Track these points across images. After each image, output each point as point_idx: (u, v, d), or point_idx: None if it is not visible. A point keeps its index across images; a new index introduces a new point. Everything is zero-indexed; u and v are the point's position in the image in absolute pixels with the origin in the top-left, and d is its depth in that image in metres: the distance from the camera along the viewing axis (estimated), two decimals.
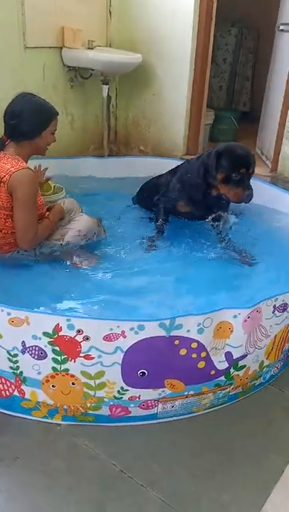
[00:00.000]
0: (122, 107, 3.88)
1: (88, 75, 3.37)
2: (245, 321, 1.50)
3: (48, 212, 2.12)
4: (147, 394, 1.52)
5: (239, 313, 1.49)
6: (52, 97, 3.20)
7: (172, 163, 3.12)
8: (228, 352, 1.55)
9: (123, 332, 1.40)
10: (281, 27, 3.39)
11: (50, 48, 3.15)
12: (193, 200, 2.24)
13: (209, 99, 4.01)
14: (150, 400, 1.53)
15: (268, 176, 3.33)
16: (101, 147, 3.72)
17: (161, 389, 1.52)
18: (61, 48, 3.21)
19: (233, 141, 4.38)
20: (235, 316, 1.49)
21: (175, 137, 3.72)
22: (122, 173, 3.17)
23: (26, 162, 1.98)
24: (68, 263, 2.02)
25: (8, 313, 1.39)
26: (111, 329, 1.39)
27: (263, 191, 2.77)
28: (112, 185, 3.01)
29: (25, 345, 1.43)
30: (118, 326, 1.39)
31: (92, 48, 3.33)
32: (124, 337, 1.41)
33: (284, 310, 1.62)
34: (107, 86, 3.42)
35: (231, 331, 1.51)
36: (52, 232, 2.07)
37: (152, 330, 1.41)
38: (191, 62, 3.49)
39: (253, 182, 2.09)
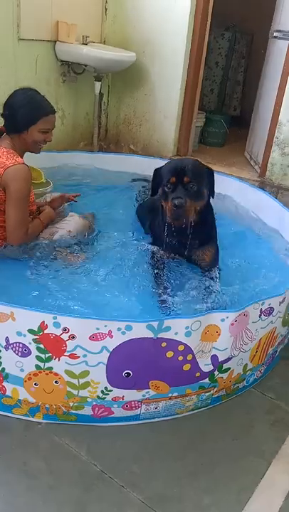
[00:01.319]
0: (113, 104, 3.86)
1: (81, 70, 3.34)
2: (233, 324, 1.51)
3: (38, 210, 2.10)
4: (131, 395, 1.51)
5: (227, 317, 1.49)
6: (44, 91, 3.11)
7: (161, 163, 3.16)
8: (214, 355, 1.55)
9: (110, 332, 1.39)
10: (275, 34, 3.42)
11: (43, 41, 3.11)
12: (161, 232, 1.95)
13: (200, 101, 4.02)
14: (134, 401, 1.52)
15: (256, 180, 3.36)
16: (91, 144, 3.69)
17: (145, 390, 1.51)
18: (55, 42, 3.17)
19: (222, 145, 4.42)
20: (222, 320, 1.49)
21: (165, 138, 3.72)
22: (114, 168, 3.16)
23: (22, 157, 1.95)
24: (57, 260, 2.00)
25: None
26: (98, 328, 1.38)
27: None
28: (104, 178, 3.00)
29: (8, 341, 1.40)
30: (105, 326, 1.38)
31: (86, 44, 3.30)
32: (111, 337, 1.39)
33: (269, 314, 1.63)
34: (100, 83, 3.39)
35: (218, 335, 1.51)
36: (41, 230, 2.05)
37: (140, 331, 1.41)
38: (185, 64, 3.49)
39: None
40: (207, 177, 1.86)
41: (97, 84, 3.39)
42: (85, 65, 3.25)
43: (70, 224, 2.13)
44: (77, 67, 3.32)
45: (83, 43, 3.29)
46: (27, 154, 2.04)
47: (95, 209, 2.44)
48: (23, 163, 1.88)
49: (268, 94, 3.57)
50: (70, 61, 3.25)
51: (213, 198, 1.91)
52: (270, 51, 3.74)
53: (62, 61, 3.26)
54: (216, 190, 1.93)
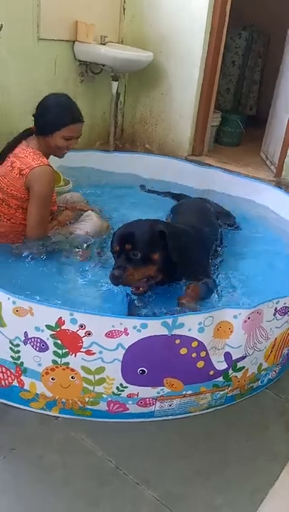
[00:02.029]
0: (130, 104, 3.88)
1: (99, 70, 3.37)
2: (245, 321, 1.51)
3: (57, 210, 2.14)
4: (146, 392, 1.52)
5: (239, 314, 1.49)
6: (62, 90, 3.15)
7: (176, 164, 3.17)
8: (227, 352, 1.55)
9: (126, 329, 1.40)
10: None
11: (62, 41, 3.15)
12: None
13: (216, 101, 4.01)
14: (148, 398, 1.54)
15: (272, 180, 3.35)
16: (107, 143, 3.72)
17: (160, 387, 1.52)
18: (74, 42, 3.21)
19: (237, 144, 4.40)
20: (235, 316, 1.50)
21: (181, 137, 3.73)
22: (129, 169, 3.17)
23: (47, 158, 1.98)
24: (74, 259, 2.03)
25: (14, 302, 1.39)
26: (113, 326, 1.40)
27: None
28: (119, 178, 3.01)
29: (27, 335, 1.43)
30: (121, 324, 1.39)
31: (104, 44, 3.33)
32: (127, 334, 1.41)
33: (285, 313, 1.63)
34: (117, 83, 3.42)
35: (231, 331, 1.52)
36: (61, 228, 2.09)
37: (155, 328, 1.42)
38: (202, 63, 3.50)
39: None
40: (159, 241, 1.74)
41: (114, 84, 3.41)
42: (103, 65, 3.28)
43: (88, 225, 2.15)
44: (95, 67, 3.36)
45: (101, 43, 3.32)
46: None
47: (111, 209, 2.46)
48: (48, 165, 1.92)
49: (285, 94, 3.55)
50: (88, 61, 3.28)
51: (174, 258, 1.76)
52: (287, 51, 3.71)
53: (80, 61, 3.29)
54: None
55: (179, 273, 1.85)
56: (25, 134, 2.02)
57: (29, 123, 2.05)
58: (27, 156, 1.90)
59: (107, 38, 3.37)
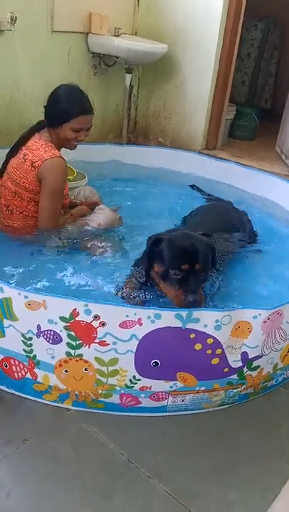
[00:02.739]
0: (143, 97, 3.85)
1: (112, 62, 3.35)
2: (265, 322, 1.48)
3: (71, 205, 2.13)
4: (159, 385, 1.51)
5: (259, 314, 1.46)
6: (75, 83, 3.17)
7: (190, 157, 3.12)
8: (244, 352, 1.53)
9: (140, 320, 1.39)
10: None
11: (76, 33, 3.13)
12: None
13: (231, 93, 3.96)
14: (161, 392, 1.52)
15: (287, 175, 3.29)
16: (120, 136, 3.70)
17: (173, 381, 1.51)
18: (87, 34, 3.19)
19: (252, 138, 4.34)
20: (255, 317, 1.47)
21: (195, 130, 3.68)
22: (143, 162, 3.14)
23: (59, 150, 1.97)
24: (86, 252, 2.02)
25: (26, 297, 1.39)
26: (127, 316, 1.38)
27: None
28: (134, 172, 2.99)
29: (40, 329, 1.42)
30: (135, 314, 1.38)
31: (118, 36, 3.30)
32: (141, 325, 1.39)
33: None
34: (130, 75, 3.39)
35: (250, 331, 1.49)
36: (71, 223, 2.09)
37: (168, 320, 1.40)
38: (217, 56, 3.44)
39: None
40: (212, 257, 1.67)
41: (128, 77, 3.39)
42: (117, 57, 3.25)
43: (100, 217, 2.14)
44: (108, 59, 3.33)
45: (115, 35, 3.29)
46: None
47: (125, 203, 2.45)
48: (60, 157, 1.90)
49: None
50: (101, 53, 3.26)
51: (212, 275, 1.70)
52: None
53: (94, 53, 3.27)
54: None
55: None
56: (38, 127, 2.01)
57: (42, 116, 2.03)
58: (39, 148, 1.90)
59: (121, 30, 3.34)
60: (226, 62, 3.49)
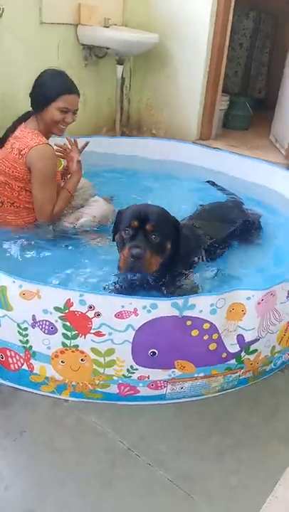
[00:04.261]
0: (135, 89, 3.82)
1: (103, 54, 3.32)
2: (259, 303, 1.47)
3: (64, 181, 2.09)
4: (157, 374, 1.50)
5: (253, 295, 1.46)
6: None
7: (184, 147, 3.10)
8: (240, 335, 1.52)
9: (135, 310, 1.37)
10: None
11: (65, 24, 3.10)
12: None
13: (224, 84, 3.93)
14: (159, 381, 1.51)
15: (281, 163, 3.28)
16: (113, 129, 3.67)
17: (171, 370, 1.50)
18: (77, 26, 3.15)
19: (246, 128, 4.32)
20: (248, 298, 1.46)
21: (188, 121, 3.66)
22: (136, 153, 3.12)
23: (47, 138, 1.96)
24: (81, 243, 2.00)
25: (20, 286, 1.37)
26: (123, 306, 1.37)
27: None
28: (126, 163, 2.96)
29: (35, 319, 1.41)
30: (130, 304, 1.37)
31: (107, 27, 3.27)
32: (136, 315, 1.38)
33: None
34: (122, 66, 3.36)
35: (244, 313, 1.48)
36: (66, 214, 2.05)
37: (165, 309, 1.39)
38: (208, 45, 3.42)
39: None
40: (173, 229, 1.66)
41: (119, 68, 3.36)
42: (107, 48, 3.23)
43: (94, 209, 2.12)
44: (98, 50, 3.30)
45: (105, 26, 3.26)
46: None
47: (118, 193, 2.43)
48: (47, 144, 1.88)
49: None
50: (92, 44, 3.23)
51: (179, 257, 1.68)
52: None
53: (84, 45, 3.24)
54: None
55: (168, 274, 1.70)
56: (24, 117, 2.00)
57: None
58: (25, 136, 1.88)
59: (111, 21, 3.31)
60: (218, 52, 3.46)
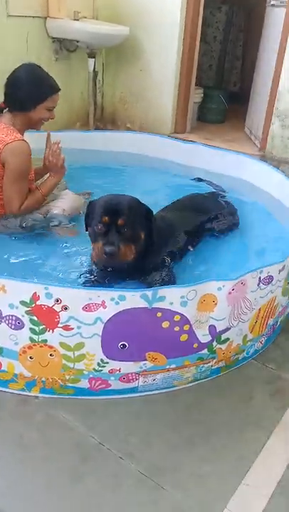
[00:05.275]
0: (108, 82, 3.79)
1: (74, 47, 3.27)
2: (230, 293, 1.47)
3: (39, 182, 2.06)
4: (128, 367, 1.49)
5: (224, 286, 1.46)
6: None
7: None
8: (211, 325, 1.52)
9: (103, 302, 1.36)
10: (272, 2, 3.31)
11: (34, 17, 3.04)
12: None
13: (198, 78, 3.93)
14: (131, 373, 1.50)
15: (256, 154, 3.30)
16: (87, 124, 3.63)
17: (142, 362, 1.49)
18: (46, 18, 3.10)
19: (222, 121, 4.33)
20: (219, 289, 1.46)
21: (163, 114, 3.65)
22: (111, 148, 3.08)
23: (22, 134, 1.93)
24: (50, 235, 1.97)
25: None
26: (90, 299, 1.35)
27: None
28: (101, 158, 2.93)
29: (1, 314, 1.38)
30: (98, 296, 1.35)
31: (77, 19, 3.22)
32: (105, 307, 1.36)
33: (269, 283, 1.59)
34: (94, 59, 3.33)
35: (215, 304, 1.48)
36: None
37: (134, 301, 1.37)
38: (180, 38, 3.41)
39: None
40: (145, 218, 1.65)
41: (91, 61, 3.32)
42: (77, 41, 3.18)
43: (65, 202, 2.10)
44: (69, 44, 3.26)
45: (75, 19, 3.21)
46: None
47: (94, 189, 2.39)
48: (23, 140, 1.86)
49: (266, 64, 3.48)
50: (61, 38, 3.18)
51: (152, 244, 1.67)
52: (267, 21, 3.63)
53: (53, 38, 3.19)
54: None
55: (145, 262, 1.69)
56: None
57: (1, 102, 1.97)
58: (0, 132, 1.84)
59: (81, 14, 3.26)
60: (190, 44, 3.45)
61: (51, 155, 2.02)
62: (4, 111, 1.96)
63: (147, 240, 1.67)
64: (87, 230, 1.70)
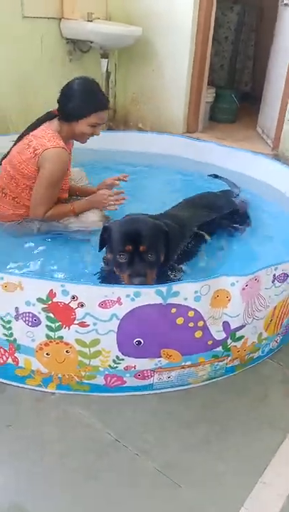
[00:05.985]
0: (121, 83, 3.81)
1: (87, 48, 3.30)
2: (244, 289, 1.47)
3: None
4: (143, 364, 1.49)
5: (237, 281, 1.45)
6: (49, 70, 3.12)
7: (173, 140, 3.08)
8: (225, 322, 1.51)
9: (119, 299, 1.36)
10: (285, 1, 3.30)
11: (48, 18, 3.07)
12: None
13: (210, 78, 3.93)
14: (146, 370, 1.50)
15: (269, 154, 3.28)
16: None
17: (157, 359, 1.49)
18: (60, 20, 3.13)
19: (233, 121, 4.31)
20: (232, 284, 1.45)
21: (175, 114, 3.65)
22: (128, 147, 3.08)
23: (65, 143, 1.96)
24: (70, 236, 1.99)
25: (1, 278, 1.35)
26: (106, 296, 1.36)
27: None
28: (121, 158, 2.94)
29: (18, 311, 1.39)
30: (113, 293, 1.36)
31: (91, 21, 3.25)
32: (120, 304, 1.37)
33: (284, 281, 1.58)
34: (106, 60, 3.34)
35: (229, 300, 1.48)
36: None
37: (149, 297, 1.38)
38: (192, 38, 3.41)
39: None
40: (163, 238, 1.66)
41: (104, 62, 3.34)
42: (91, 42, 3.20)
43: (87, 222, 2.06)
44: (82, 44, 3.28)
45: (88, 20, 3.24)
46: None
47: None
48: (63, 148, 1.88)
49: (278, 66, 3.46)
50: (75, 38, 3.21)
51: (169, 261, 1.70)
52: (280, 21, 3.61)
53: (67, 39, 3.22)
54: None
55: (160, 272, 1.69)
56: (46, 117, 1.99)
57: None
58: (44, 136, 1.89)
59: (94, 15, 3.29)
60: (202, 44, 3.45)
61: (107, 187, 2.08)
62: (56, 118, 1.99)
63: (166, 255, 1.69)
64: (100, 251, 1.71)
